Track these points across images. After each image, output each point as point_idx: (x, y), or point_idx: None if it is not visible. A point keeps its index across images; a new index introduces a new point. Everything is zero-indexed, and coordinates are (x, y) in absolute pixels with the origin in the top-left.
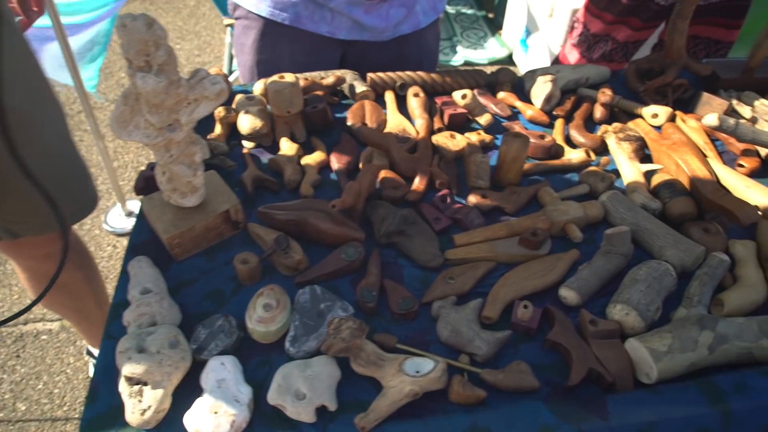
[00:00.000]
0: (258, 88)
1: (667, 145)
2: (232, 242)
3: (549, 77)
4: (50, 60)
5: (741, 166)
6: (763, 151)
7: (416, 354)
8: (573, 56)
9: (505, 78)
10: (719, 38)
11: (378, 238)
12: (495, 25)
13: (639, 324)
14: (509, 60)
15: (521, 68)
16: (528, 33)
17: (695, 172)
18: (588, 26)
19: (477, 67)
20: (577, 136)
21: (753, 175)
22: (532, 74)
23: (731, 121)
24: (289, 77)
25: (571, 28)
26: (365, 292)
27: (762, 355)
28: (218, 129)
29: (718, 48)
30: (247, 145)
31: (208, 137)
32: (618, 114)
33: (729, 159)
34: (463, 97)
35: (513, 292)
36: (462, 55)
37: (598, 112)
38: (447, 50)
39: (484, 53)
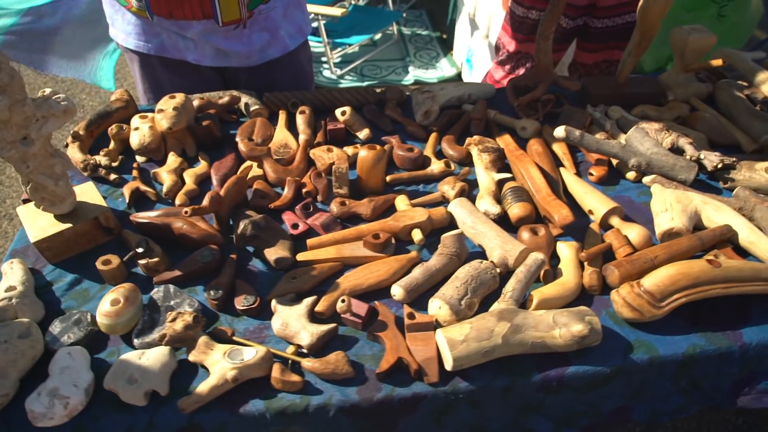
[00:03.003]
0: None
1: (516, 156)
2: (108, 247)
3: (427, 94)
4: None
5: (591, 174)
6: (615, 161)
7: (245, 344)
8: (498, 74)
9: (392, 95)
10: (617, 58)
11: (235, 243)
12: (448, 46)
13: (450, 317)
14: (458, 78)
15: None
16: (471, 53)
17: (533, 180)
18: (507, 46)
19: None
20: (446, 148)
21: (602, 182)
22: (418, 92)
23: (576, 132)
24: (179, 97)
25: (496, 49)
26: (212, 290)
27: (553, 343)
28: (111, 144)
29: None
30: (140, 159)
31: (101, 152)
32: (495, 128)
33: (587, 167)
34: (343, 113)
35: (348, 289)
36: (413, 75)
37: (473, 126)
38: (399, 70)
39: (434, 73)
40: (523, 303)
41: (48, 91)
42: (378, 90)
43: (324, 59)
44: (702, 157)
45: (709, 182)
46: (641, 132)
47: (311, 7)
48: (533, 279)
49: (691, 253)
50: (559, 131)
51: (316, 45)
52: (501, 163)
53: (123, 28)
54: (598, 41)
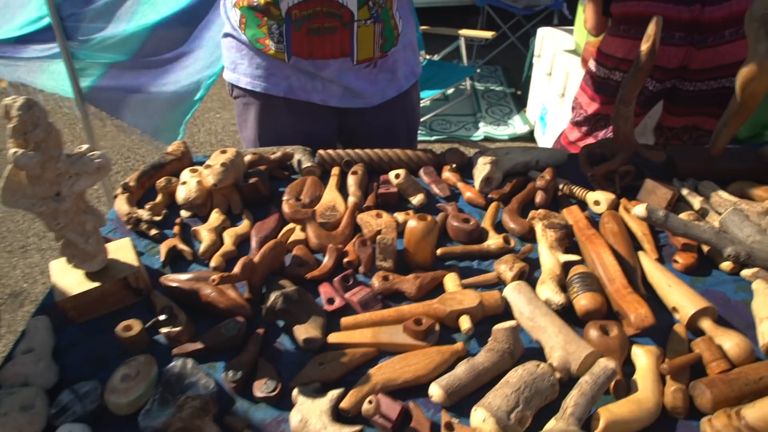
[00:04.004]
0: None
1: (587, 236)
2: (136, 308)
3: (489, 158)
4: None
5: (676, 261)
6: (706, 247)
7: None
8: (573, 135)
9: (452, 158)
10: (710, 128)
11: (263, 316)
12: (522, 102)
13: None
14: (530, 136)
15: (541, 144)
16: (546, 111)
17: (605, 267)
18: (585, 107)
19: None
20: (507, 221)
21: (690, 271)
22: (480, 155)
23: (660, 213)
24: (230, 152)
25: (573, 108)
26: (231, 370)
27: None
28: (158, 198)
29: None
30: (184, 214)
31: (146, 206)
32: (564, 200)
33: (671, 252)
34: (397, 176)
35: (380, 384)
36: (483, 131)
37: (538, 196)
38: (469, 126)
39: (506, 130)
40: (587, 421)
41: (84, 147)
42: (438, 152)
43: None
44: None
45: None
46: (740, 215)
47: None
48: (601, 392)
49: None
50: (640, 209)
51: None
52: (568, 242)
53: (250, 72)
54: (687, 105)
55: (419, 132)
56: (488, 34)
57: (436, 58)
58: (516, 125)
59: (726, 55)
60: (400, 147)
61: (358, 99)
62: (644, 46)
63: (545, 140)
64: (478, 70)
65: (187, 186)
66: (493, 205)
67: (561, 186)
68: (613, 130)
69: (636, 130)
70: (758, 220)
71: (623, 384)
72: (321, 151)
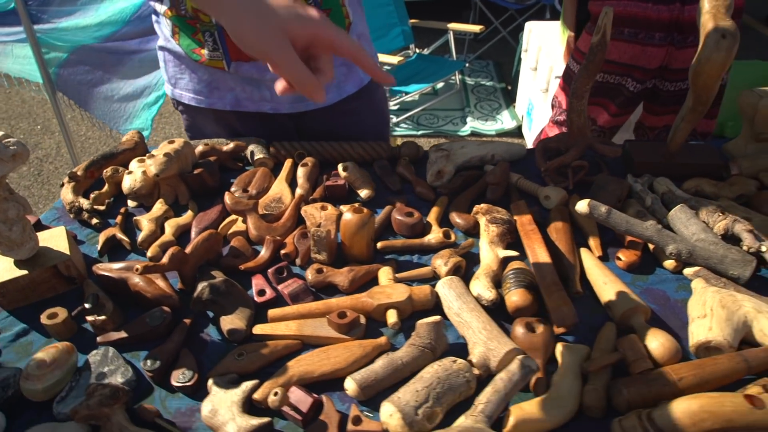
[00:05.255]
0: None
1: (525, 231)
2: (69, 297)
3: (441, 152)
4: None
5: (619, 259)
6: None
7: (166, 429)
8: (553, 133)
9: (407, 151)
10: (702, 130)
11: (191, 307)
12: (512, 97)
13: (402, 429)
14: (518, 132)
15: (527, 140)
16: (532, 106)
17: (539, 263)
18: (564, 106)
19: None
20: (453, 215)
21: (633, 269)
22: (434, 149)
23: (602, 209)
24: (178, 142)
25: (552, 107)
26: (150, 359)
27: None
28: (105, 187)
29: (697, 141)
30: (132, 204)
31: (91, 195)
32: (515, 195)
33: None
34: (345, 168)
35: (297, 376)
36: (470, 126)
37: (489, 191)
38: (457, 121)
39: (494, 125)
40: (500, 419)
41: (4, 134)
42: (394, 145)
43: None
44: (764, 249)
45: None
46: (688, 212)
47: None
48: (516, 390)
49: (732, 378)
50: (582, 205)
51: None
52: (511, 237)
53: (192, 87)
54: (668, 104)
55: (406, 126)
56: (476, 28)
57: (426, 52)
58: (504, 120)
59: None
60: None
61: (310, 102)
62: (595, 38)
63: (531, 136)
64: (467, 65)
65: (132, 176)
66: (441, 199)
67: (514, 181)
68: (567, 125)
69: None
70: (707, 218)
71: (544, 382)
72: (276, 143)
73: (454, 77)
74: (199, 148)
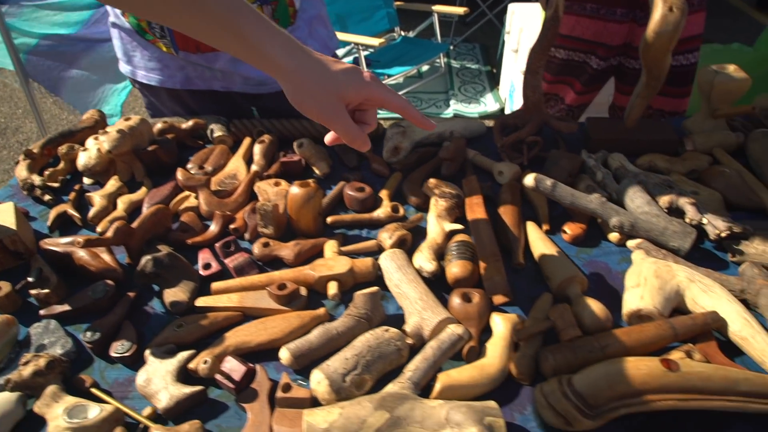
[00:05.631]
0: None
1: (470, 204)
2: (17, 272)
3: (398, 128)
4: None
5: (564, 232)
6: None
7: (100, 399)
8: None
9: None
10: (672, 109)
11: (135, 280)
12: (496, 80)
13: (329, 396)
14: (501, 114)
15: None
16: (513, 88)
17: (478, 235)
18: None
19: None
20: (405, 190)
21: (578, 242)
22: (391, 126)
23: (548, 182)
24: (134, 119)
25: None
26: (90, 331)
27: None
28: (61, 164)
29: (672, 121)
30: (88, 181)
31: (45, 172)
32: (470, 170)
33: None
34: (300, 145)
35: (233, 347)
36: (453, 108)
37: (444, 167)
38: (440, 104)
39: (477, 107)
40: (431, 387)
41: None
42: None
43: None
44: (705, 221)
45: (717, 254)
46: (636, 186)
47: (351, 37)
48: (445, 358)
49: (659, 344)
50: (528, 179)
51: None
52: (459, 211)
53: (144, 65)
54: (633, 83)
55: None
56: (460, 10)
57: (411, 34)
58: (488, 103)
59: None
60: None
61: (262, 86)
62: (548, 13)
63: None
64: (452, 47)
65: (87, 153)
66: (395, 175)
67: (471, 156)
68: (523, 100)
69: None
70: (654, 191)
71: (476, 350)
72: (236, 121)
73: (439, 60)
74: (158, 126)
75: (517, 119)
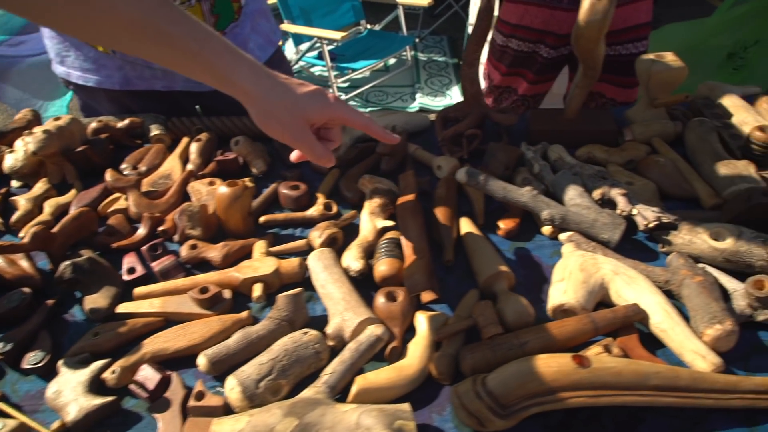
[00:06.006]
0: None
1: (401, 201)
2: None
3: None
4: None
5: (498, 227)
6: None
7: (6, 414)
8: None
9: None
10: (624, 99)
11: (56, 286)
12: None
13: (242, 403)
14: None
15: None
16: None
17: (405, 232)
18: (491, 77)
19: None
20: (342, 187)
21: (512, 237)
22: None
23: (480, 176)
24: (63, 119)
25: (483, 78)
26: (1, 342)
27: None
28: None
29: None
30: (15, 184)
31: None
32: (410, 166)
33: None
34: (236, 143)
35: (150, 354)
36: (419, 102)
37: (383, 162)
38: (406, 97)
39: (443, 100)
40: (347, 390)
41: None
42: None
43: (330, 83)
44: (635, 212)
45: (649, 245)
46: (568, 177)
47: (313, 31)
48: (364, 360)
49: (579, 339)
50: (460, 173)
51: (323, 69)
52: (393, 208)
53: (79, 65)
54: None
55: (354, 104)
56: (425, 2)
57: (377, 27)
58: (453, 96)
59: (616, 20)
60: None
61: (205, 84)
62: (482, 5)
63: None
64: (418, 40)
65: (14, 154)
66: (333, 172)
67: (411, 151)
68: (462, 92)
69: (546, 98)
70: (588, 183)
71: (398, 351)
72: (174, 119)
73: (406, 53)
74: (93, 125)
75: (458, 112)
